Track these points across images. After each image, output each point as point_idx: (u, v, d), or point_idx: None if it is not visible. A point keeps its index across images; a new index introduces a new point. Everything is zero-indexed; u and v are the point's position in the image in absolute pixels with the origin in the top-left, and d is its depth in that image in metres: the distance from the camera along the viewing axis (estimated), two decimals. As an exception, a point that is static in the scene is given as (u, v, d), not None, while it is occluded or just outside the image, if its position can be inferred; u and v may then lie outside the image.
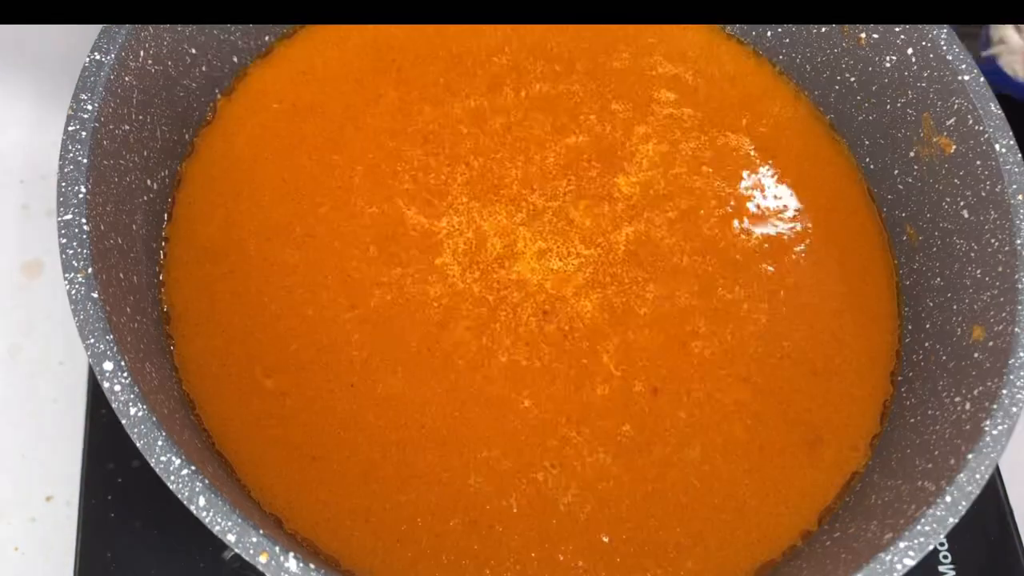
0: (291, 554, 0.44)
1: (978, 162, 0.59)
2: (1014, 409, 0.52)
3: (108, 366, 0.47)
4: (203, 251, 0.60)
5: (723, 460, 0.58)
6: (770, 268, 0.64)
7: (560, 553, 0.55)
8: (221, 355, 0.57)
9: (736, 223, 0.65)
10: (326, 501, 0.55)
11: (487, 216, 0.63)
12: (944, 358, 0.59)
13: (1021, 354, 0.53)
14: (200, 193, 0.62)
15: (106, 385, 0.46)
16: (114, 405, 0.46)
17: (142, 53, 0.57)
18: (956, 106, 0.60)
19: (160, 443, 0.45)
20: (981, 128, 0.59)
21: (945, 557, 0.63)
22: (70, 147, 0.51)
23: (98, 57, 0.54)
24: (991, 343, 0.55)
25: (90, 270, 0.48)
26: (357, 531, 0.54)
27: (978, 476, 0.50)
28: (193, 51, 0.62)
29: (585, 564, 0.55)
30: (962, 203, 0.60)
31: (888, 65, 0.65)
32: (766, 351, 0.61)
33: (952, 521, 0.49)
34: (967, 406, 0.54)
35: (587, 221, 0.64)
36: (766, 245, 0.65)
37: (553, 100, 0.68)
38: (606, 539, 0.55)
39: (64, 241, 0.49)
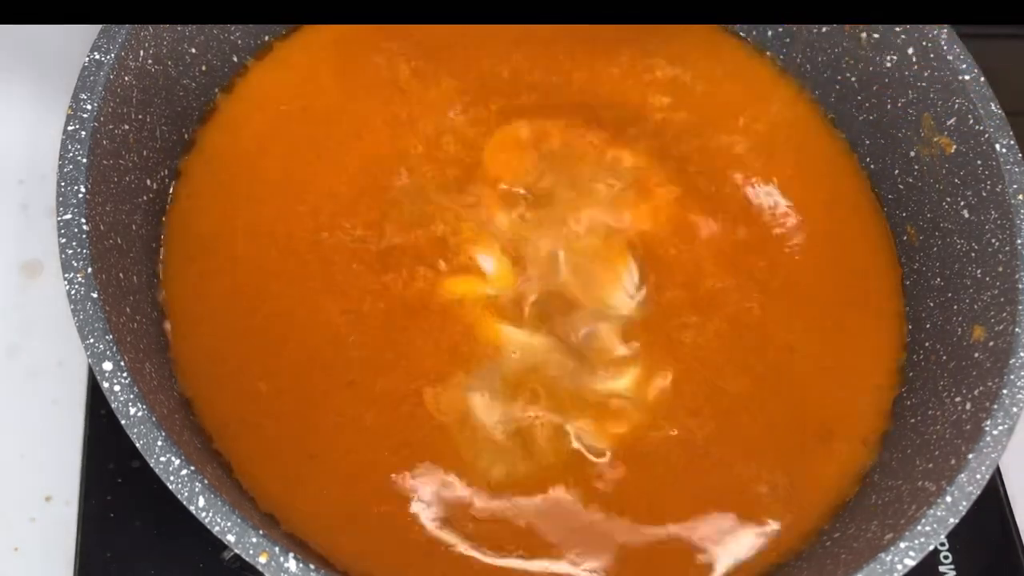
0: (291, 554, 0.44)
1: (978, 162, 0.59)
2: (1015, 409, 0.52)
3: (108, 366, 0.47)
4: (198, 246, 0.60)
5: (726, 451, 0.58)
6: (763, 264, 0.64)
7: (571, 552, 0.55)
8: (217, 354, 0.57)
9: (731, 220, 0.65)
10: (318, 499, 0.54)
11: (488, 215, 0.63)
12: (944, 358, 0.59)
13: (1022, 354, 0.53)
14: (200, 186, 0.62)
15: (106, 385, 0.46)
16: (114, 405, 0.46)
17: (142, 53, 0.57)
18: (956, 106, 0.60)
19: (160, 443, 0.45)
20: (981, 128, 0.59)
21: (945, 557, 0.63)
22: (70, 147, 0.51)
23: (98, 57, 0.54)
24: (991, 343, 0.55)
25: (89, 270, 0.48)
26: (344, 534, 0.54)
27: (978, 476, 0.50)
28: (193, 51, 0.62)
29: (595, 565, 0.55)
30: (962, 203, 0.60)
31: (888, 65, 0.65)
32: (762, 344, 0.61)
33: (952, 521, 0.49)
34: (967, 406, 0.54)
35: (577, 216, 0.64)
36: (760, 243, 0.64)
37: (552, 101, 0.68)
38: (614, 536, 0.55)
39: (64, 241, 0.49)
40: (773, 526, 0.57)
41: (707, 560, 0.56)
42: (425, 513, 0.55)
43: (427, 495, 0.55)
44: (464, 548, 0.54)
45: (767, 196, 0.66)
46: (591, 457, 0.57)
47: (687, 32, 0.72)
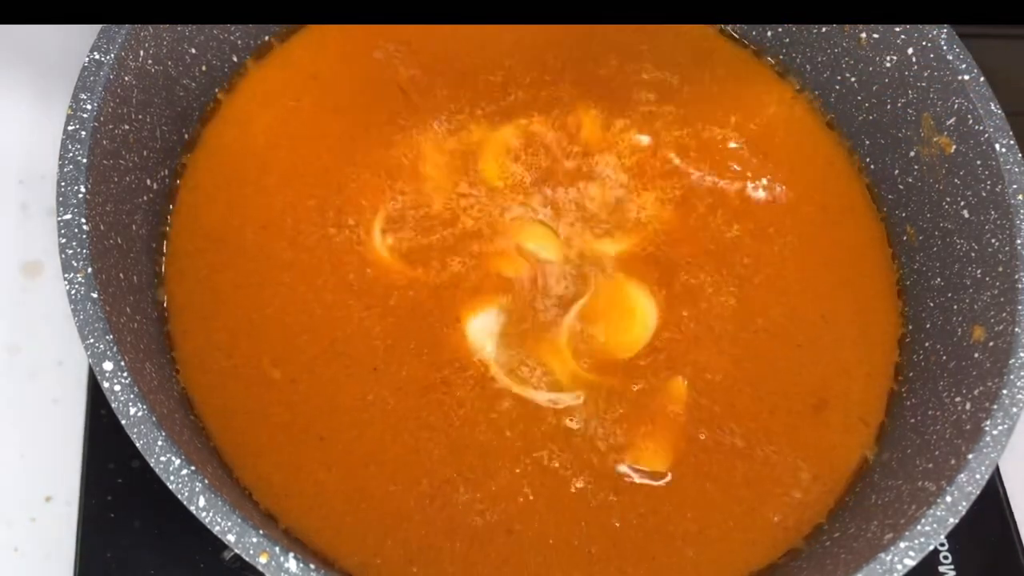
0: (291, 554, 0.44)
1: (978, 162, 0.59)
2: (1014, 409, 0.52)
3: (108, 366, 0.47)
4: (205, 239, 0.60)
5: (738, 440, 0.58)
6: (747, 260, 0.64)
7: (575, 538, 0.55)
8: (227, 348, 0.57)
9: (720, 213, 0.65)
10: (324, 483, 0.55)
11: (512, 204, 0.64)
12: (944, 358, 0.59)
13: (1021, 354, 0.53)
14: (206, 180, 0.62)
15: (106, 385, 0.46)
16: (114, 405, 0.46)
17: (142, 53, 0.57)
18: (956, 106, 0.60)
19: (160, 443, 0.45)
20: (981, 128, 0.59)
21: (945, 557, 0.63)
22: (70, 147, 0.51)
23: (98, 57, 0.54)
24: (991, 343, 0.55)
25: (90, 270, 0.48)
26: (348, 516, 0.54)
27: (978, 476, 0.50)
28: (193, 51, 0.62)
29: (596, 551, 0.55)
30: (962, 203, 0.60)
31: (888, 65, 0.65)
32: (753, 334, 0.62)
33: (952, 521, 0.49)
34: (967, 406, 0.54)
35: (572, 206, 0.64)
36: (753, 239, 0.65)
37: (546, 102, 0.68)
38: (617, 524, 0.55)
39: (64, 241, 0.49)
40: (776, 517, 0.57)
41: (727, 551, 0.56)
42: (437, 501, 0.55)
43: (440, 482, 0.55)
44: (471, 548, 0.54)
45: (764, 192, 0.67)
46: (616, 463, 0.57)
47: (676, 37, 0.72)
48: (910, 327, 0.63)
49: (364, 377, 0.57)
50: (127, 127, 0.56)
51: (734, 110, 0.70)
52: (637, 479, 0.57)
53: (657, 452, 0.58)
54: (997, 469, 0.66)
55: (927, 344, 0.61)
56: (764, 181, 0.67)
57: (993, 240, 0.58)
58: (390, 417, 0.57)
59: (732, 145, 0.68)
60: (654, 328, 0.61)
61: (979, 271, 0.58)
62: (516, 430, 0.57)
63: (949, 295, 0.60)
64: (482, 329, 0.60)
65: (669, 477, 0.57)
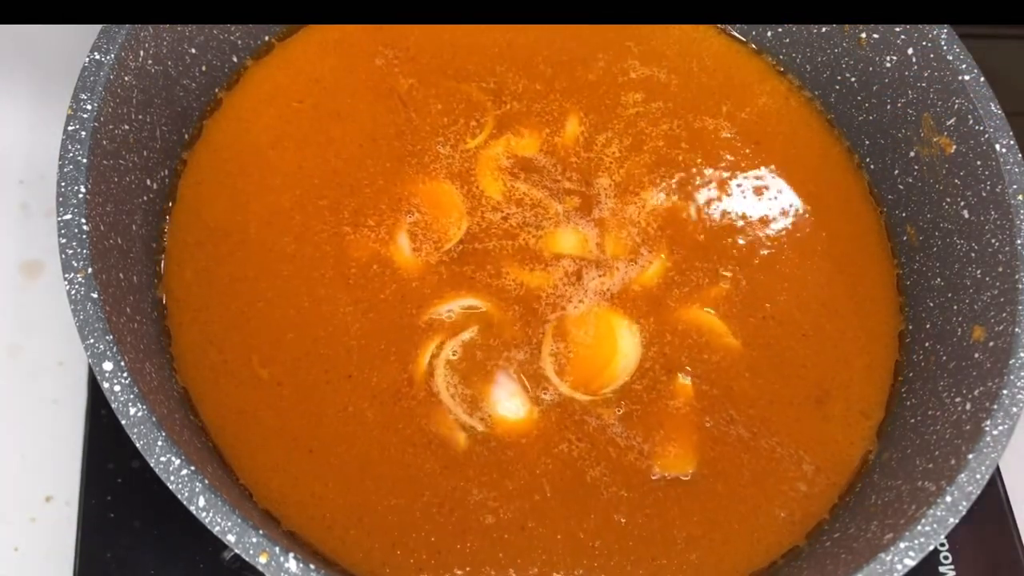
0: (291, 554, 0.44)
1: (978, 162, 0.59)
2: (1014, 409, 0.52)
3: (108, 366, 0.47)
4: (206, 231, 0.60)
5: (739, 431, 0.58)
6: (740, 240, 0.64)
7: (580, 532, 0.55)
8: (219, 342, 0.57)
9: (714, 204, 0.66)
10: (321, 496, 0.54)
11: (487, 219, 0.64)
12: (944, 358, 0.59)
13: (1021, 354, 0.53)
14: (207, 175, 0.62)
15: (106, 385, 0.46)
16: (114, 405, 0.46)
17: (142, 53, 0.57)
18: (956, 106, 0.61)
19: (160, 443, 0.45)
20: (981, 128, 0.59)
21: (945, 557, 0.63)
22: (70, 147, 0.51)
23: (98, 57, 0.54)
24: (991, 343, 0.55)
25: (90, 270, 0.48)
26: (352, 529, 0.54)
27: (978, 476, 0.50)
28: (193, 51, 0.62)
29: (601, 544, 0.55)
30: (962, 203, 0.60)
31: (888, 65, 0.65)
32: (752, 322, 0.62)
33: (952, 521, 0.49)
34: (967, 406, 0.54)
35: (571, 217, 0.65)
36: (741, 223, 0.65)
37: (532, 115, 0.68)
38: (623, 521, 0.55)
39: (64, 241, 0.49)
40: (783, 513, 0.57)
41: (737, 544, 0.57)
42: (445, 507, 0.55)
43: (448, 490, 0.55)
44: (478, 549, 0.54)
45: (758, 181, 0.67)
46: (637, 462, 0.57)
47: (664, 31, 0.72)
48: (910, 327, 0.63)
49: (340, 384, 0.57)
50: (127, 127, 0.56)
51: (724, 99, 0.70)
52: (668, 477, 0.57)
53: (679, 455, 0.58)
54: (997, 469, 0.66)
55: (927, 344, 0.61)
56: (757, 170, 0.67)
57: (993, 240, 0.58)
58: (372, 431, 0.56)
59: (724, 135, 0.68)
60: (637, 360, 0.60)
61: (979, 271, 0.58)
62: (532, 436, 0.57)
63: (949, 295, 0.60)
64: (445, 339, 0.59)
65: (691, 473, 0.57)
